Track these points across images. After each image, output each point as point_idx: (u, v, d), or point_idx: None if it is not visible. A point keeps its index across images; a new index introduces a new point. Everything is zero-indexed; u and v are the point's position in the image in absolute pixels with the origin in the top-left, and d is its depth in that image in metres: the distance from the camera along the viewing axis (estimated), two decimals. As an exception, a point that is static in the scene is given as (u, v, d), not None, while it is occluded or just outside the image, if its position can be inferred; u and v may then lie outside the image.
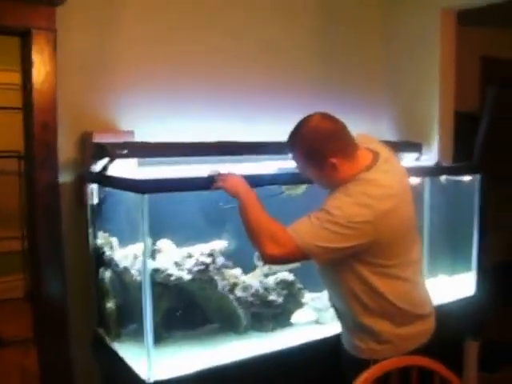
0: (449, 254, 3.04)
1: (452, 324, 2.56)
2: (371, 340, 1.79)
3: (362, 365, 1.68)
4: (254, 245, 1.76)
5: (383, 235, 1.68)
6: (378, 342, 1.78)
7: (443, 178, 2.92)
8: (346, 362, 1.90)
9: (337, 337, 2.00)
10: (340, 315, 1.94)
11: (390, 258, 1.74)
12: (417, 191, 2.83)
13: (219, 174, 1.92)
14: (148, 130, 2.43)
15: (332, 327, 2.21)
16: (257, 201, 1.80)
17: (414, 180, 2.81)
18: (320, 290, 2.43)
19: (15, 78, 3.35)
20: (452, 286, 2.98)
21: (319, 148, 1.74)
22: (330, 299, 1.99)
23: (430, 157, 3.09)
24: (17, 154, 4.37)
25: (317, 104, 2.77)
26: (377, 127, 3.22)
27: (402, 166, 1.93)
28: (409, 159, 2.99)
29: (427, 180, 2.83)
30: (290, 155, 1.83)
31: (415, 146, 3.07)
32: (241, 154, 2.38)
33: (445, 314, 2.54)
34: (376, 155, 1.81)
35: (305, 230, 1.69)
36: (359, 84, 3.22)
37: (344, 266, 1.75)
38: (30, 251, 2.55)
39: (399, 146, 3.12)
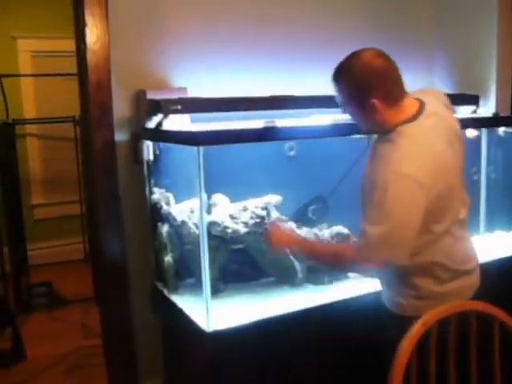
0: (507, 209, 2.96)
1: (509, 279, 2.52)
2: (412, 296, 1.75)
3: (403, 322, 1.63)
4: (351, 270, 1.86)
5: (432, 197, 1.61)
6: (419, 297, 1.74)
7: (501, 130, 2.84)
8: (388, 319, 1.85)
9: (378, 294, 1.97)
10: (380, 271, 1.87)
11: (439, 221, 1.68)
12: (474, 144, 2.77)
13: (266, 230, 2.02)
14: (201, 87, 2.43)
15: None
16: (311, 244, 1.94)
17: (471, 132, 2.75)
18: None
19: (68, 45, 3.43)
20: (510, 241, 2.91)
21: (364, 84, 1.65)
22: None
23: (487, 110, 2.99)
24: (72, 118, 4.49)
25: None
26: (431, 79, 3.14)
27: (454, 122, 1.82)
28: (465, 112, 2.91)
29: (484, 132, 2.76)
30: (334, 87, 1.72)
31: (472, 99, 2.97)
32: (293, 107, 2.37)
33: (502, 269, 2.52)
34: (422, 106, 1.72)
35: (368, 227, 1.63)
36: (413, 34, 3.13)
37: None
38: (89, 213, 2.62)
39: (455, 99, 3.05)
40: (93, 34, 2.31)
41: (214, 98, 2.32)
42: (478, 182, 2.78)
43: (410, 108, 1.70)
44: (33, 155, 5.12)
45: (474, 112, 2.97)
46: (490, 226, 2.87)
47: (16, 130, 4.40)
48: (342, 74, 1.69)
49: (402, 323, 1.62)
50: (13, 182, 4.24)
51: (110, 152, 2.38)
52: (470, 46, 3.06)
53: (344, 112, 1.76)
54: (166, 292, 2.30)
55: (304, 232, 2.36)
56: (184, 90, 2.38)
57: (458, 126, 1.82)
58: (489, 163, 2.82)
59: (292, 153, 2.37)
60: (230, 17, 2.58)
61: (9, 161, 4.19)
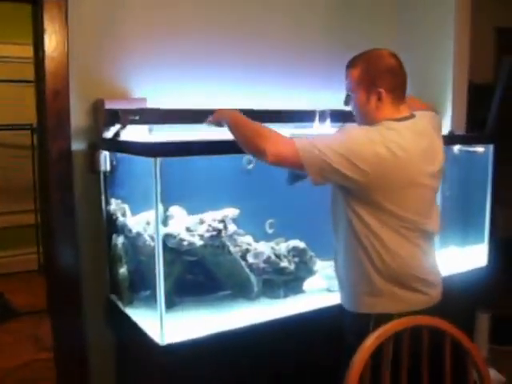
0: (461, 225, 3.02)
1: (463, 296, 2.57)
2: (366, 293, 1.79)
3: (362, 319, 1.74)
4: (252, 151, 1.77)
5: (383, 178, 1.68)
6: (373, 294, 1.78)
7: (456, 148, 2.90)
8: (347, 320, 1.89)
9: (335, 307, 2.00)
10: (337, 268, 1.94)
11: (395, 204, 1.72)
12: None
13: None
14: (160, 97, 2.41)
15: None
16: (244, 117, 1.85)
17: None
18: (331, 258, 2.43)
19: (26, 51, 3.37)
20: (463, 257, 2.97)
21: (377, 73, 1.78)
22: (335, 256, 1.97)
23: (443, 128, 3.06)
24: (29, 126, 4.41)
25: (330, 71, 2.77)
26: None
27: (438, 146, 1.89)
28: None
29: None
30: (347, 73, 1.85)
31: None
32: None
33: (456, 285, 2.57)
34: (412, 116, 1.83)
35: (308, 138, 1.72)
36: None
37: (353, 212, 1.75)
38: (43, 223, 2.57)
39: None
40: (52, 41, 2.27)
41: (173, 109, 2.31)
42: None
43: (402, 111, 1.81)
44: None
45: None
46: (445, 243, 2.92)
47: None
48: (360, 60, 1.83)
49: (359, 321, 1.74)
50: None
51: (66, 162, 2.34)
52: (425, 66, 3.14)
53: (346, 103, 1.88)
54: (120, 305, 2.26)
55: (261, 245, 2.37)
56: (143, 100, 2.36)
57: (441, 151, 1.89)
58: (444, 181, 2.87)
59: (250, 166, 2.37)
60: (190, 27, 2.57)
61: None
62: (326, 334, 2.07)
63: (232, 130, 1.85)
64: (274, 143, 1.70)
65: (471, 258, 2.96)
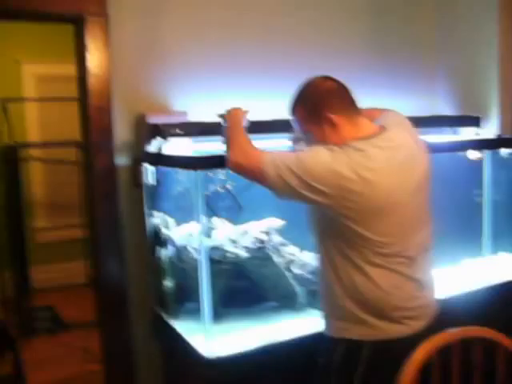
0: (510, 230, 2.94)
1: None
2: (336, 317, 1.75)
3: (332, 344, 1.73)
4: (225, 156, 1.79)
5: (350, 201, 1.59)
6: (343, 319, 1.72)
7: (504, 152, 2.82)
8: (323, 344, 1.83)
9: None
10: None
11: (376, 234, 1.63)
12: (477, 166, 2.76)
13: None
14: (201, 110, 2.42)
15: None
16: (240, 126, 1.86)
17: (474, 154, 2.74)
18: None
19: (72, 69, 3.46)
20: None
21: (316, 102, 1.72)
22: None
23: (489, 131, 2.98)
24: (75, 142, 4.49)
25: (368, 77, 2.74)
26: (432, 101, 3.14)
27: (415, 143, 1.79)
28: (467, 133, 2.90)
29: (487, 154, 2.74)
30: (292, 120, 1.82)
31: (473, 120, 2.97)
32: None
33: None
34: (382, 129, 1.73)
35: (275, 155, 1.69)
36: (414, 56, 3.14)
37: (331, 234, 1.71)
38: (90, 238, 2.61)
39: (456, 121, 3.05)
40: (94, 59, 2.33)
41: (214, 121, 2.32)
42: (480, 204, 2.76)
43: (368, 128, 1.73)
44: (36, 179, 5.13)
45: (477, 134, 2.97)
46: (494, 248, 2.85)
47: (19, 153, 4.41)
48: (297, 101, 1.78)
49: (332, 345, 1.71)
50: (16, 205, 4.25)
51: (110, 176, 2.38)
52: (472, 69, 3.07)
53: (308, 143, 1.80)
54: (166, 317, 2.27)
55: (306, 255, 2.35)
56: (184, 113, 2.38)
57: (422, 158, 1.79)
58: (491, 185, 2.80)
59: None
60: (230, 40, 2.59)
61: (12, 184, 4.21)
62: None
63: (224, 133, 1.88)
64: (238, 154, 1.73)
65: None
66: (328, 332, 1.80)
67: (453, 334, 1.44)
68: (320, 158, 1.62)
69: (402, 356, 1.49)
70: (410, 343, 1.55)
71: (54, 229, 5.14)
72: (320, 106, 1.70)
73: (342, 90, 1.74)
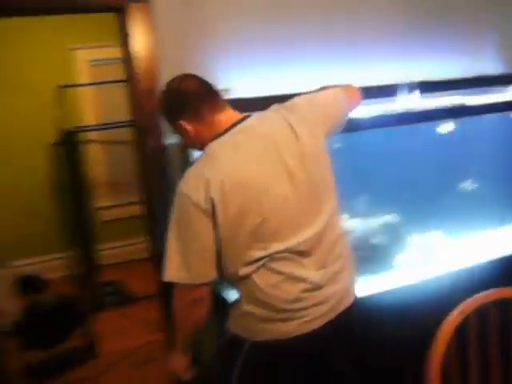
0: None
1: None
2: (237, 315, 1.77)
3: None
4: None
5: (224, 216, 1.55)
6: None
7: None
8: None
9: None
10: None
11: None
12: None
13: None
14: (246, 87, 2.48)
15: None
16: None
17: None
18: (424, 232, 2.40)
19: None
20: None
21: (171, 112, 1.74)
22: None
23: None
24: (129, 123, 4.61)
25: (418, 38, 2.68)
26: (481, 59, 3.07)
27: (290, 123, 1.69)
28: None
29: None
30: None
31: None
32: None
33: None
34: (239, 121, 1.70)
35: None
36: (463, 13, 3.06)
37: None
38: (147, 214, 2.71)
39: (504, 79, 2.98)
40: (138, 44, 2.39)
41: (258, 96, 2.36)
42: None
43: (225, 123, 1.70)
44: (95, 160, 5.31)
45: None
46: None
47: (78, 136, 4.57)
48: (159, 111, 1.83)
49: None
50: (80, 186, 4.42)
51: (160, 155, 2.47)
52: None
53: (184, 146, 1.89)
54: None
55: (353, 221, 2.38)
56: (227, 91, 2.43)
57: (297, 137, 1.67)
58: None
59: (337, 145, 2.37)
60: (274, 15, 2.62)
61: (74, 166, 4.37)
62: (419, 309, 2.05)
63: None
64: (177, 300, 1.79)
65: None
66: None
67: (489, 294, 1.45)
68: (181, 214, 1.62)
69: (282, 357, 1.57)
70: (299, 343, 1.61)
71: (115, 207, 5.34)
72: (174, 117, 1.72)
73: (195, 89, 1.72)
